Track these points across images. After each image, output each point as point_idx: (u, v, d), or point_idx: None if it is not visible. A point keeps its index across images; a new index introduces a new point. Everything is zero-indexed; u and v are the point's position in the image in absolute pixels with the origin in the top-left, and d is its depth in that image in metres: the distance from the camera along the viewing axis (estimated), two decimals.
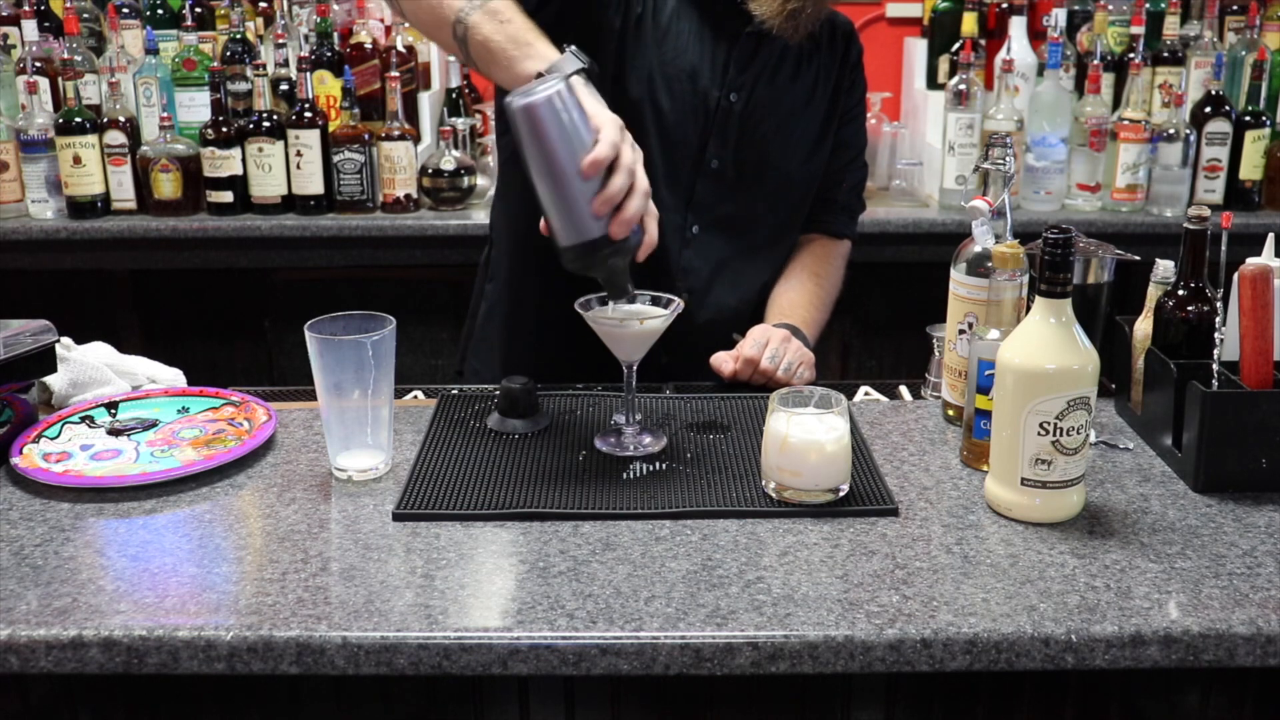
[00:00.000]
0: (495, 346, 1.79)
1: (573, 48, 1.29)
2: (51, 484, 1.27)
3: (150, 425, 1.42)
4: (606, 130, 1.22)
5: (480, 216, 2.73)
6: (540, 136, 1.19)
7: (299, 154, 2.70)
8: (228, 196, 2.72)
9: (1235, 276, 1.30)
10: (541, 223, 1.28)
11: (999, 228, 1.36)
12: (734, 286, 1.72)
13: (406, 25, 2.95)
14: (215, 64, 2.75)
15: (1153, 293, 1.39)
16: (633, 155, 1.24)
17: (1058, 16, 2.73)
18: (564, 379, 1.58)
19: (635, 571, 1.10)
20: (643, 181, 1.25)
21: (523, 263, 1.73)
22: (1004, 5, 2.93)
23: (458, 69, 2.99)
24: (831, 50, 1.72)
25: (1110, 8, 2.87)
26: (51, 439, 1.37)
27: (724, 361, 1.56)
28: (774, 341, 1.57)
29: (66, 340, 1.50)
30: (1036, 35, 2.85)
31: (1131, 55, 2.75)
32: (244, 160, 2.71)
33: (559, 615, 1.02)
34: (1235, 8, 2.98)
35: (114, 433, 1.40)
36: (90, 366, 1.51)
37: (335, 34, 2.86)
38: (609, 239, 1.23)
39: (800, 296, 1.74)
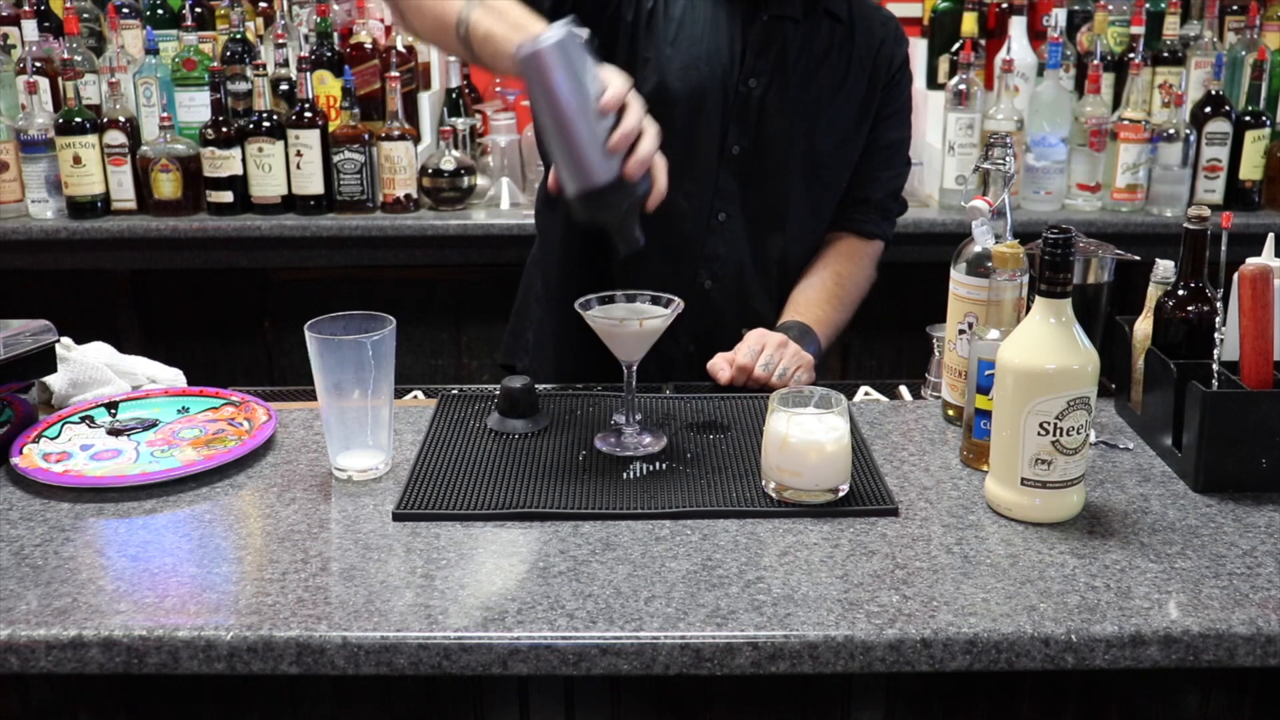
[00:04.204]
0: (548, 352, 1.80)
1: (567, 20, 1.29)
2: (51, 484, 1.27)
3: (150, 425, 1.42)
4: (615, 76, 1.24)
5: (480, 216, 2.73)
6: (550, 82, 1.20)
7: (299, 154, 2.70)
8: (228, 196, 2.72)
9: (1235, 276, 1.30)
10: (550, 177, 1.28)
11: (999, 228, 1.36)
12: (762, 274, 1.72)
13: None
14: (215, 64, 2.75)
15: (1153, 293, 1.39)
16: (641, 102, 1.25)
17: (1058, 16, 2.73)
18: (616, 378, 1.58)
19: (635, 571, 1.10)
20: (653, 125, 1.25)
21: (570, 267, 1.73)
22: (1004, 5, 2.93)
23: (458, 69, 2.99)
24: (868, 42, 1.70)
25: (1110, 8, 2.87)
26: (51, 439, 1.37)
27: (719, 370, 1.56)
28: (769, 347, 1.56)
29: (66, 340, 1.50)
30: (1036, 35, 2.85)
31: (1131, 55, 2.75)
32: (244, 160, 2.71)
33: (559, 615, 1.02)
34: (1235, 8, 2.98)
35: (114, 433, 1.40)
36: (90, 366, 1.51)
37: (335, 34, 2.85)
38: (619, 183, 1.22)
39: (818, 294, 1.73)
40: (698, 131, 1.62)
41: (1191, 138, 2.73)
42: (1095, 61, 2.75)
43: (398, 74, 2.75)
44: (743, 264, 1.70)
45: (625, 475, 1.30)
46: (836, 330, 1.75)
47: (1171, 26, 2.83)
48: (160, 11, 2.96)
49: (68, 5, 2.83)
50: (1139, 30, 2.76)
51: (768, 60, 1.63)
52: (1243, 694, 1.16)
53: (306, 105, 2.70)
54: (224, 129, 2.69)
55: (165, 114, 2.72)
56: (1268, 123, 2.75)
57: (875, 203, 1.79)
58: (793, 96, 1.65)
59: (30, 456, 1.32)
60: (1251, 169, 2.76)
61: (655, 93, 1.59)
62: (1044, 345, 1.15)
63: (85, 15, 2.94)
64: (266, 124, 2.70)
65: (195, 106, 2.79)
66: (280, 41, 2.87)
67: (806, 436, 1.21)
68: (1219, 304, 1.32)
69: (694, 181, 1.64)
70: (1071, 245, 1.15)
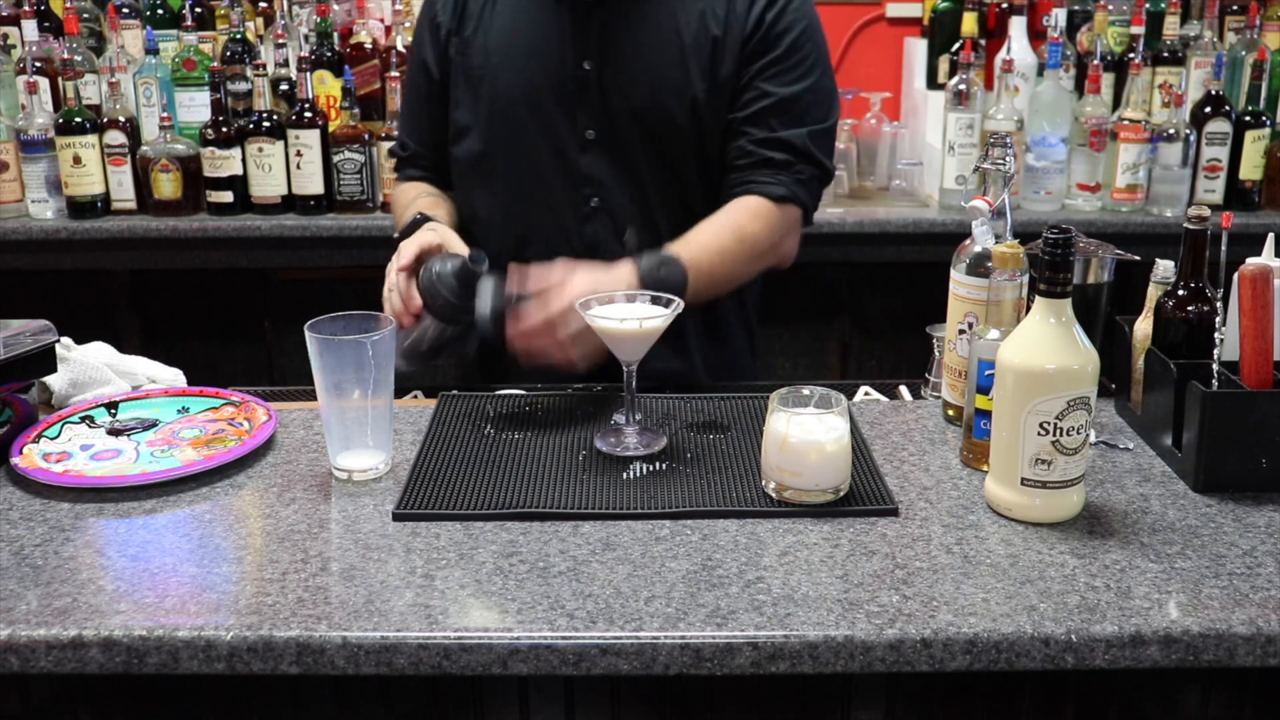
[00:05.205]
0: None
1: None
2: (51, 484, 1.27)
3: (150, 425, 1.42)
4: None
5: None
6: None
7: (299, 154, 2.70)
8: (228, 196, 2.72)
9: (1235, 276, 1.30)
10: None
11: (999, 228, 1.36)
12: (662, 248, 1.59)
13: (407, 25, 2.95)
14: (215, 64, 2.75)
15: (1153, 293, 1.39)
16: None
17: (1058, 16, 2.73)
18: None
19: (635, 571, 1.10)
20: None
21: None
22: (1004, 5, 2.93)
23: None
24: None
25: (1110, 8, 2.87)
26: (51, 439, 1.37)
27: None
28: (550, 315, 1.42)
29: (66, 340, 1.50)
30: (1036, 35, 2.85)
31: (1131, 55, 2.75)
32: (244, 160, 2.71)
33: (559, 615, 1.02)
34: (1235, 8, 2.98)
35: (114, 433, 1.40)
36: (90, 366, 1.51)
37: (335, 34, 2.86)
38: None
39: (712, 240, 1.59)
40: (549, 125, 1.62)
41: (1191, 138, 2.73)
42: (1095, 61, 2.75)
43: (398, 74, 2.75)
44: (639, 246, 1.59)
45: (625, 475, 1.30)
46: (715, 284, 1.61)
47: (1171, 26, 2.84)
48: (160, 11, 2.95)
49: (68, 5, 2.83)
50: (1139, 30, 2.76)
51: (595, 38, 1.61)
52: (1243, 694, 1.16)
53: (306, 105, 2.70)
54: (224, 129, 2.69)
55: (165, 114, 2.72)
56: (1268, 123, 2.75)
57: (778, 163, 1.62)
58: (634, 71, 1.61)
59: (30, 456, 1.32)
60: (1251, 169, 2.76)
61: (495, 101, 1.63)
62: (1044, 345, 1.15)
63: (85, 15, 2.94)
64: (266, 124, 2.70)
65: (195, 106, 2.79)
66: (280, 41, 2.87)
67: (806, 436, 1.21)
68: (1219, 304, 1.32)
69: (560, 174, 1.64)
70: (1071, 245, 1.15)
